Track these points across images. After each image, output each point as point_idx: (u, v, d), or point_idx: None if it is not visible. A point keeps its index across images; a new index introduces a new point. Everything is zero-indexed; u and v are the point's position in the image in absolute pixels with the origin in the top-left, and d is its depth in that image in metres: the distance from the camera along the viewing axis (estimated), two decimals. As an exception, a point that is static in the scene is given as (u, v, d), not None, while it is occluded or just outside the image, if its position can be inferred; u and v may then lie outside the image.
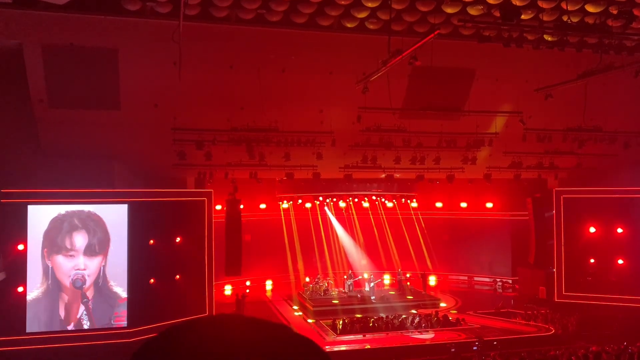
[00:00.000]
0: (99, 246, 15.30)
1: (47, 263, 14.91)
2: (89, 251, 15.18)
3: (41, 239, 14.93)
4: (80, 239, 15.19)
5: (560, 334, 17.74)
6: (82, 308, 15.19)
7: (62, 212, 15.12)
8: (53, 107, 13.87)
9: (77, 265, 15.08)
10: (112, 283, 15.47)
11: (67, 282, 15.04)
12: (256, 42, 13.35)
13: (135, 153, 15.89)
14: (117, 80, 13.64)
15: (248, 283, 23.50)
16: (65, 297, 15.11)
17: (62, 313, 15.08)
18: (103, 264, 15.37)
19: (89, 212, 15.33)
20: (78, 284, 15.05)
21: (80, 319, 15.19)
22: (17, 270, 14.64)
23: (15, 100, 13.86)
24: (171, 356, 0.79)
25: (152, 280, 16.19)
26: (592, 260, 19.81)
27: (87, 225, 15.25)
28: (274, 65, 14.19)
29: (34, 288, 14.84)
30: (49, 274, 14.94)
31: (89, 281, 15.21)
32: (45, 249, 14.93)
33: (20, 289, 14.72)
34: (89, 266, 15.21)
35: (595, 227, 19.78)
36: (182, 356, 0.79)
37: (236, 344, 0.80)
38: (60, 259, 15.00)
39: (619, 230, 19.46)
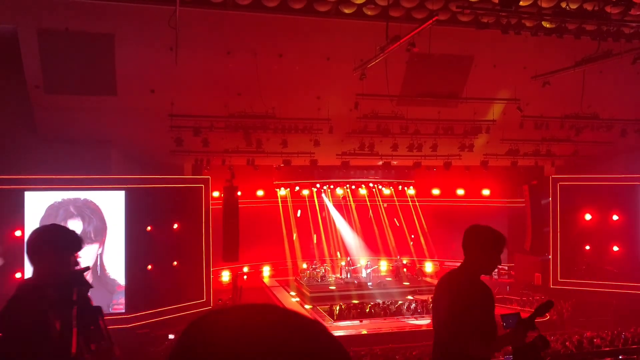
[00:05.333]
0: (94, 234, 15.30)
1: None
2: (84, 239, 15.16)
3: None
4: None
5: (555, 320, 17.92)
6: None
7: (59, 199, 15.10)
8: (49, 92, 13.79)
9: None
10: (109, 270, 15.50)
11: None
12: (253, 28, 13.27)
13: (132, 139, 15.84)
14: (114, 65, 13.55)
15: (245, 269, 23.60)
16: (62, 285, 15.15)
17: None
18: (100, 251, 15.39)
19: (85, 199, 15.32)
20: None
21: (77, 307, 15.24)
22: (15, 256, 14.67)
23: (11, 86, 13.77)
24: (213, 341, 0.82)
25: (149, 267, 16.24)
26: (587, 248, 19.94)
27: (83, 213, 15.24)
28: (271, 52, 14.11)
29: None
30: None
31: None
32: None
33: (18, 275, 14.76)
34: (85, 253, 15.18)
35: (591, 215, 19.87)
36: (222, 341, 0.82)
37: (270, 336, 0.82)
38: None
39: (615, 217, 19.57)
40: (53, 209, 15.03)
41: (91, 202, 15.37)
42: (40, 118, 14.51)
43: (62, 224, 14.60)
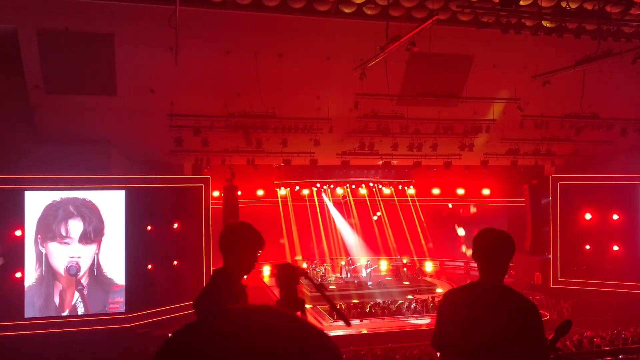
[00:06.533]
0: (94, 233, 15.30)
1: (40, 249, 14.92)
2: (84, 238, 15.18)
3: (35, 225, 14.93)
4: (75, 226, 15.18)
5: (555, 319, 17.90)
6: (76, 295, 15.24)
7: (57, 199, 15.10)
8: (49, 92, 13.78)
9: (71, 252, 15.09)
10: (106, 270, 15.49)
11: (61, 269, 15.06)
12: (253, 28, 13.26)
13: (132, 139, 15.84)
14: (113, 65, 13.54)
15: (245, 269, 23.60)
16: (60, 284, 15.13)
17: (56, 300, 15.11)
18: (97, 251, 15.39)
19: (84, 199, 15.32)
20: (73, 272, 15.08)
21: (75, 305, 15.25)
22: (15, 256, 14.67)
23: (11, 86, 13.77)
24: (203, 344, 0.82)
25: (149, 266, 16.24)
26: (587, 247, 19.94)
27: (83, 213, 15.24)
28: (271, 51, 14.11)
29: (29, 274, 14.86)
30: (42, 260, 14.96)
31: (83, 268, 15.23)
32: (39, 236, 14.92)
33: (18, 275, 14.76)
34: (84, 253, 15.22)
35: (591, 214, 19.87)
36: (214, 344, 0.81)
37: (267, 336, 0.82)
38: (54, 246, 15.00)
39: (615, 217, 19.56)
40: (51, 208, 15.03)
41: (89, 201, 15.37)
42: (40, 118, 14.50)
43: (63, 223, 14.72)
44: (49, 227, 14.97)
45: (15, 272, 14.75)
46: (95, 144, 15.14)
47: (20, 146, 14.56)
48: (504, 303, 2.92)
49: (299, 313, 2.90)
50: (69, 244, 15.10)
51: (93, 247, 15.34)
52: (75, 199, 15.26)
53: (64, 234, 15.07)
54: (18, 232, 14.81)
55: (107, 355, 14.19)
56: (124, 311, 15.47)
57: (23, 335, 14.34)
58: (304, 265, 23.40)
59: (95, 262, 15.36)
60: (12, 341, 14.11)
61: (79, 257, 15.13)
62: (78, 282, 15.17)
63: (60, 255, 15.05)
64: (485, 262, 2.96)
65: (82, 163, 14.83)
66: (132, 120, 15.09)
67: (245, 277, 3.23)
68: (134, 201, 15.76)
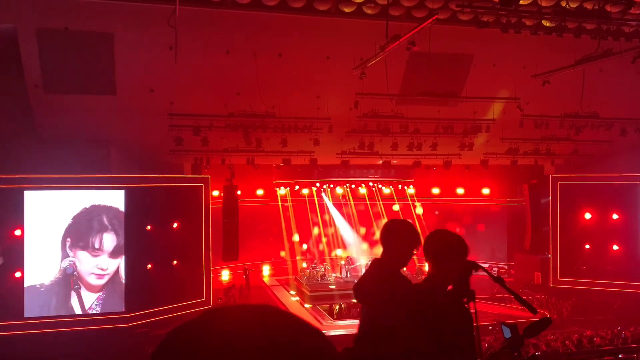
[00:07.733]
0: (124, 246, 15.49)
1: (67, 252, 14.96)
2: (115, 253, 15.33)
3: (64, 229, 14.98)
4: (109, 240, 15.33)
5: (555, 319, 17.89)
6: (93, 297, 15.27)
7: (87, 205, 15.15)
8: (48, 92, 13.78)
9: (100, 263, 15.21)
10: (123, 275, 15.54)
11: (86, 275, 15.16)
12: (253, 27, 13.25)
13: (132, 139, 15.82)
14: (113, 64, 13.53)
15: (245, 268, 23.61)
16: (81, 287, 15.24)
17: (74, 301, 15.16)
18: (121, 259, 15.51)
19: (117, 209, 15.37)
20: (69, 271, 15.08)
21: (92, 308, 15.32)
22: (15, 255, 14.66)
23: (10, 85, 13.76)
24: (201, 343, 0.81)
25: (149, 266, 16.23)
26: (587, 246, 19.94)
27: (115, 226, 15.34)
28: (270, 51, 14.10)
29: (49, 275, 14.87)
30: (67, 263, 15.03)
31: (107, 277, 15.27)
32: (69, 239, 14.97)
33: (17, 274, 14.75)
34: (111, 265, 15.34)
35: (591, 213, 19.87)
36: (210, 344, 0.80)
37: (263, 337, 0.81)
38: (84, 255, 15.11)
39: (615, 216, 19.56)
40: (83, 215, 15.14)
41: (115, 208, 15.46)
42: (39, 117, 14.49)
43: (98, 236, 14.80)
44: (82, 236, 15.07)
45: (15, 272, 14.74)
46: (95, 143, 15.12)
47: (20, 146, 14.54)
48: (431, 305, 2.92)
49: (471, 303, 2.99)
50: (99, 255, 15.19)
51: (121, 258, 15.46)
52: (109, 208, 15.31)
53: (97, 246, 15.18)
54: (18, 232, 14.80)
55: (107, 355, 14.18)
56: (123, 311, 15.46)
57: (23, 335, 14.33)
58: (304, 265, 23.40)
59: (124, 270, 15.46)
60: (12, 341, 14.10)
61: (106, 269, 15.24)
62: (75, 282, 15.16)
63: (89, 264, 15.18)
64: (428, 263, 3.03)
65: (82, 163, 14.82)
66: (132, 120, 15.08)
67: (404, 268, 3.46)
68: (134, 201, 15.75)
